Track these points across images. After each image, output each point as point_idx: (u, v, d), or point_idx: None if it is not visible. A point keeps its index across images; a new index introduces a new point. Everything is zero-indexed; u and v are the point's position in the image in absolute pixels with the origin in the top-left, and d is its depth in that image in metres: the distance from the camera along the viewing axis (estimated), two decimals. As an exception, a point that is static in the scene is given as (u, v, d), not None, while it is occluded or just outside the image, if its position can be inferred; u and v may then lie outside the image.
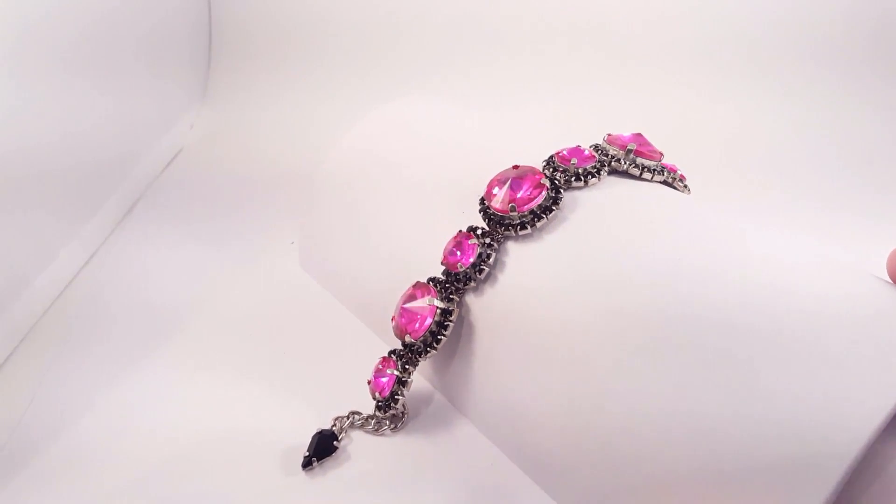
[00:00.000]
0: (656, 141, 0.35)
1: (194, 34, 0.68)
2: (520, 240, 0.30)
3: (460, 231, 0.31)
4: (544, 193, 0.30)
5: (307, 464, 0.30)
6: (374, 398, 0.32)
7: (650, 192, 0.31)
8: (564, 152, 0.32)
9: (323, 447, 0.31)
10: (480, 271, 0.30)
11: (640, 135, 0.34)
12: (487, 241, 0.30)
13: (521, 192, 0.30)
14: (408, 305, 0.31)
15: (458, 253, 0.30)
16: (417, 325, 0.30)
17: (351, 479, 0.30)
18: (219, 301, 0.42)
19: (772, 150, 0.57)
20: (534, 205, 0.30)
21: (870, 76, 0.59)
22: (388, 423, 0.32)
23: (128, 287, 0.43)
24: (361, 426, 0.32)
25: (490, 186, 0.31)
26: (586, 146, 0.35)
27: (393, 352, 0.32)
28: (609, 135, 0.34)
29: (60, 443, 0.32)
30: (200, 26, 0.69)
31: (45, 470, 0.30)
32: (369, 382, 0.32)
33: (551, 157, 0.33)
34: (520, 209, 0.30)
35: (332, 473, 0.30)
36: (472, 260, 0.30)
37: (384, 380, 0.31)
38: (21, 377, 0.36)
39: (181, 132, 0.65)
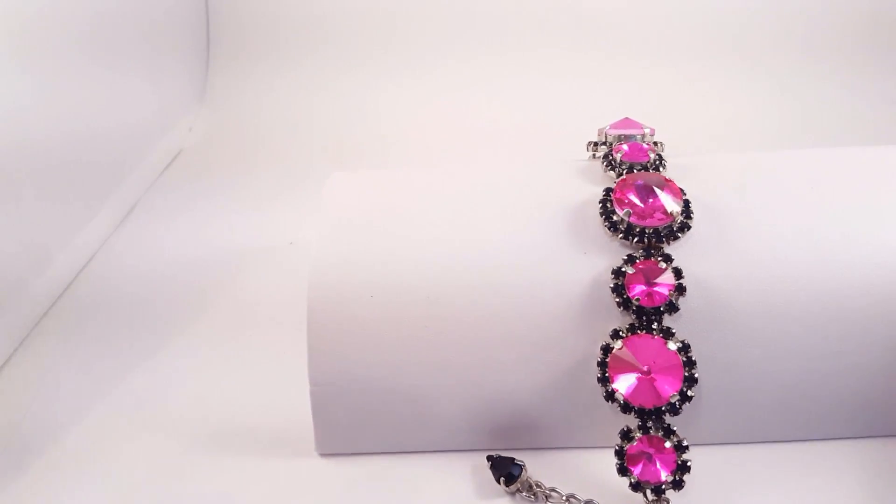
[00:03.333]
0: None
1: (192, 36, 0.68)
2: (681, 246, 0.28)
3: (636, 261, 0.27)
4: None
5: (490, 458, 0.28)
6: (658, 487, 0.26)
7: (714, 160, 0.33)
8: (625, 148, 0.31)
9: (503, 467, 0.28)
10: (684, 292, 0.27)
11: (628, 118, 0.35)
12: (668, 257, 0.28)
13: (669, 197, 0.28)
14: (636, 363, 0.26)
15: (649, 284, 0.27)
16: (672, 378, 0.26)
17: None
18: (219, 302, 0.42)
19: (762, 141, 0.57)
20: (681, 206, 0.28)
21: (867, 69, 0.59)
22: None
23: (127, 288, 0.44)
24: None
25: (623, 204, 0.28)
26: (584, 141, 0.34)
27: (628, 434, 0.27)
28: (602, 129, 0.34)
29: (71, 436, 0.32)
30: (198, 29, 0.69)
31: (57, 461, 0.31)
32: (637, 479, 0.26)
33: (607, 155, 0.31)
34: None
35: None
36: (675, 282, 0.27)
37: (649, 461, 0.26)
38: (24, 376, 0.37)
39: (180, 135, 0.63)
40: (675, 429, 0.27)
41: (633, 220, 0.28)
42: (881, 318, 0.27)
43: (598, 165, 0.32)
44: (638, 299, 0.27)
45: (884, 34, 0.59)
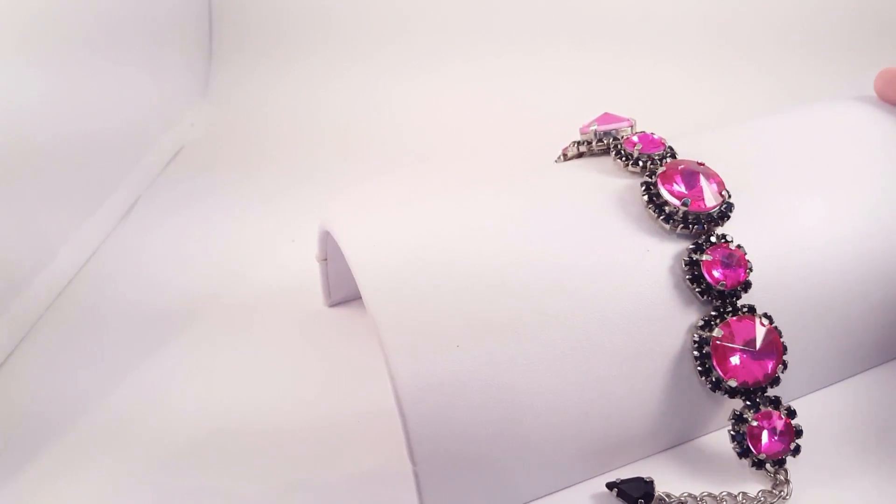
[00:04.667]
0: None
1: (194, 31, 0.67)
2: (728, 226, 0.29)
3: (704, 248, 0.27)
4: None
5: (612, 486, 0.27)
6: (781, 459, 0.27)
7: (707, 139, 0.34)
8: (635, 139, 0.31)
9: (631, 488, 0.27)
10: (752, 268, 0.28)
11: (608, 113, 0.35)
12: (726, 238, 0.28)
13: (716, 183, 0.29)
14: (737, 344, 0.27)
15: (727, 267, 0.27)
16: (771, 351, 0.27)
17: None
18: (221, 300, 0.41)
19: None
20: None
21: (862, 62, 0.57)
22: (779, 493, 0.27)
23: (130, 283, 0.43)
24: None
25: (675, 194, 0.28)
26: (566, 140, 0.35)
27: (741, 417, 0.27)
28: (585, 126, 0.34)
29: (71, 433, 0.32)
30: (201, 23, 0.68)
31: (58, 458, 0.31)
32: (764, 456, 0.26)
33: (618, 146, 0.31)
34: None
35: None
36: (747, 260, 0.28)
37: (772, 435, 0.27)
38: (26, 372, 0.37)
39: (182, 130, 0.63)
40: (780, 398, 0.27)
41: (686, 205, 0.28)
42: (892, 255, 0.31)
43: (605, 161, 0.32)
44: (723, 284, 0.27)
45: (879, 28, 0.60)
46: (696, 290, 0.27)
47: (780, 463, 0.27)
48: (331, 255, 0.36)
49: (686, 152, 0.32)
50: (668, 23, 0.65)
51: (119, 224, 0.50)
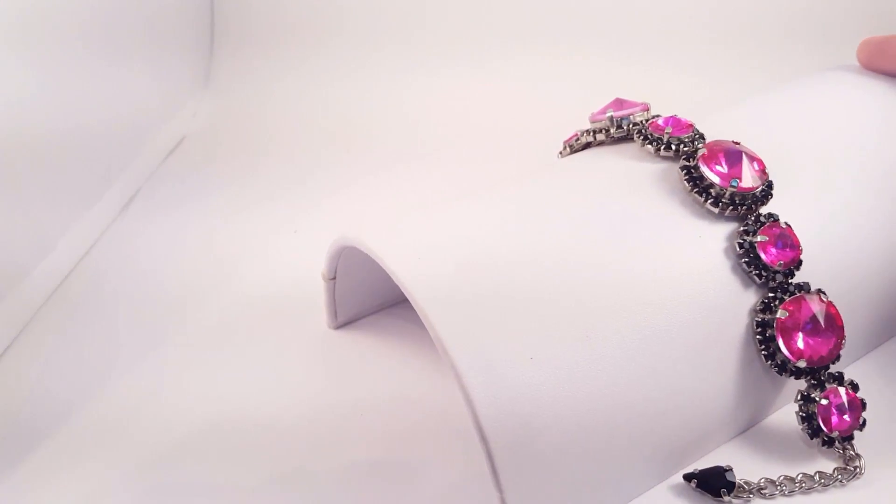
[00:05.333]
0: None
1: (196, 21, 0.66)
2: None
3: (755, 230, 0.27)
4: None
5: (690, 478, 0.26)
6: (849, 435, 0.26)
7: (720, 118, 0.33)
8: (661, 122, 0.30)
9: (711, 479, 0.26)
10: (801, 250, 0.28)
11: (619, 98, 0.34)
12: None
13: (756, 161, 0.28)
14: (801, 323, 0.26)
15: (782, 248, 0.27)
16: (833, 326, 0.26)
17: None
18: (221, 290, 0.41)
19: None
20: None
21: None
22: (853, 468, 0.27)
23: (128, 276, 0.43)
24: (802, 487, 0.26)
25: (723, 175, 0.27)
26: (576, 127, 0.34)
27: (809, 397, 0.26)
28: (594, 114, 0.33)
29: (69, 426, 0.32)
30: (202, 13, 0.67)
31: (55, 451, 0.31)
32: (836, 434, 0.26)
33: (643, 131, 0.30)
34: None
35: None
36: (798, 240, 0.27)
37: (840, 412, 0.26)
38: (24, 364, 0.36)
39: (183, 121, 0.62)
40: (843, 373, 0.27)
41: (730, 187, 0.28)
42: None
43: (626, 149, 0.31)
44: (781, 264, 0.27)
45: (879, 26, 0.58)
46: (754, 272, 0.27)
47: (848, 439, 0.27)
48: (341, 272, 0.33)
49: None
50: (664, 18, 0.65)
51: (118, 217, 0.49)
